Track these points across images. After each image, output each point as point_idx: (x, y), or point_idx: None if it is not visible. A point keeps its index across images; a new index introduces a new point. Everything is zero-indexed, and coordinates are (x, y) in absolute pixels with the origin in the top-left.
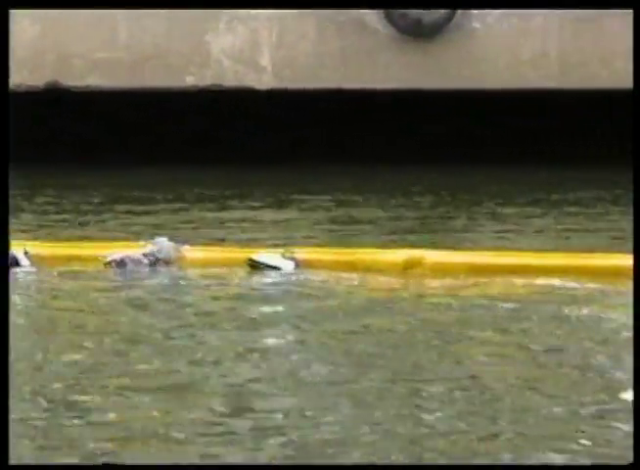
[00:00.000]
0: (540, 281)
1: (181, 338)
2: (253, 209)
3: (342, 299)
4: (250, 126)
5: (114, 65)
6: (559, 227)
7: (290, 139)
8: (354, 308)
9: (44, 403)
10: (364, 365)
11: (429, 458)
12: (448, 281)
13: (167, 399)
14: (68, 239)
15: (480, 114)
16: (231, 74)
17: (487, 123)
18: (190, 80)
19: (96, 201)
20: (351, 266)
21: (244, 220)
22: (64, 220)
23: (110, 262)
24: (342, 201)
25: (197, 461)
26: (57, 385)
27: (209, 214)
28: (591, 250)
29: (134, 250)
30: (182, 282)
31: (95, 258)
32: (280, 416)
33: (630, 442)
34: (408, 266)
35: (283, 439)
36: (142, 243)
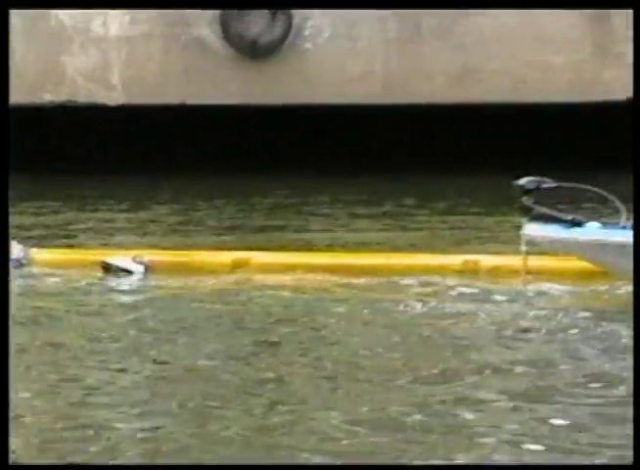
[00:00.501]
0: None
1: None
2: (107, 213)
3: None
4: (101, 140)
5: None
6: (380, 227)
7: (138, 150)
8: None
9: None
10: None
11: None
12: (273, 279)
13: None
14: None
15: (313, 127)
16: (84, 92)
17: (318, 136)
18: (47, 97)
19: None
20: (186, 267)
21: (98, 224)
22: None
23: None
24: (187, 207)
25: None
26: None
27: (62, 217)
28: (416, 250)
29: None
30: (31, 282)
31: None
32: None
33: None
34: (236, 266)
35: None
36: None
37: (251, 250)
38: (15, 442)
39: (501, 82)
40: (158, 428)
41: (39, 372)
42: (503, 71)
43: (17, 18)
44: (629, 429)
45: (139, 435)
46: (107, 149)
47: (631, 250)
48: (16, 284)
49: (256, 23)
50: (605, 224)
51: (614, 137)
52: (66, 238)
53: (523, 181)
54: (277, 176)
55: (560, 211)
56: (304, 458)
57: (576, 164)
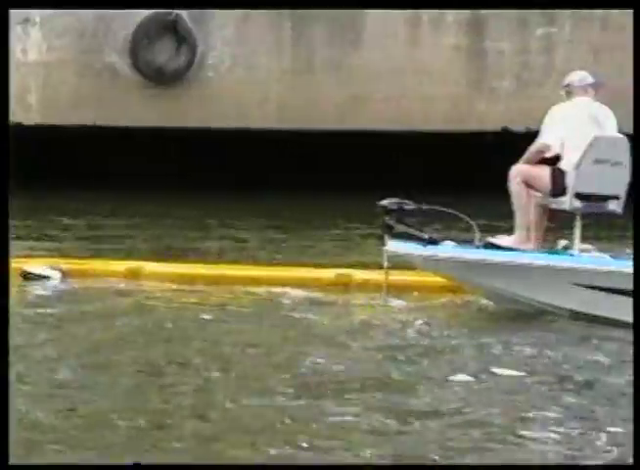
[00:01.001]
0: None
1: None
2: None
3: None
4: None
5: None
6: (265, 240)
7: (52, 167)
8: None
9: None
10: None
11: None
12: (164, 288)
13: None
14: None
15: (213, 149)
16: None
17: (219, 157)
18: None
19: None
20: (83, 274)
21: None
22: None
23: None
24: (95, 222)
25: None
26: None
27: None
28: (301, 264)
29: None
30: None
31: None
32: None
33: None
34: (130, 275)
35: None
36: None
37: (146, 260)
38: None
39: (385, 111)
40: None
41: None
42: (387, 101)
43: None
44: None
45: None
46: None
47: (482, 267)
48: None
49: (163, 53)
50: (460, 243)
51: (486, 163)
52: None
53: (385, 202)
54: (180, 193)
55: (421, 230)
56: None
57: (452, 188)
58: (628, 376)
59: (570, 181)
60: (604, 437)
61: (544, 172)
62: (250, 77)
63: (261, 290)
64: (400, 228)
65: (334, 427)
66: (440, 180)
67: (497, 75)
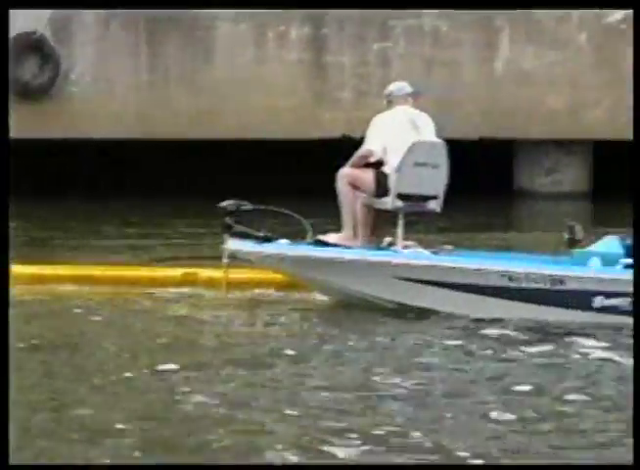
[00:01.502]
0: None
1: None
2: None
3: None
4: None
5: None
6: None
7: None
8: None
9: None
10: None
11: None
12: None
13: None
14: None
15: (78, 158)
16: None
17: (83, 166)
18: None
19: None
20: None
21: None
22: None
23: None
24: None
25: None
26: None
27: None
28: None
29: None
30: None
31: None
32: None
33: None
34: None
35: None
36: None
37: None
38: None
39: (234, 122)
40: None
41: None
42: (236, 113)
43: None
44: None
45: None
46: None
47: (312, 263)
48: None
49: (28, 69)
50: (293, 241)
51: (329, 169)
52: None
53: (225, 204)
54: (40, 200)
55: (259, 229)
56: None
57: (296, 191)
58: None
59: (392, 183)
60: None
61: (368, 175)
62: (110, 91)
63: (106, 289)
64: (238, 228)
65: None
66: (286, 184)
67: (338, 87)
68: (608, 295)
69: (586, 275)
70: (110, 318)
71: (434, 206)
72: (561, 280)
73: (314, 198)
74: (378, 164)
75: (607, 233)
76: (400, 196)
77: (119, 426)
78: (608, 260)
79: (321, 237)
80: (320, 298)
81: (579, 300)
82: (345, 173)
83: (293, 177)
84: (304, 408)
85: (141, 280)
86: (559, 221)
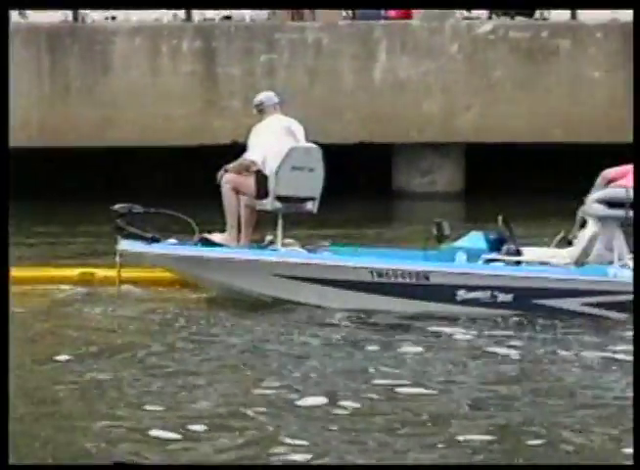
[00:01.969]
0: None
1: None
2: None
3: None
4: None
5: None
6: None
7: None
8: None
9: None
10: None
11: None
12: None
13: None
14: None
15: None
16: None
17: None
18: None
19: None
20: None
21: None
22: None
23: None
24: None
25: None
26: None
27: None
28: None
29: None
30: None
31: None
32: None
33: None
34: None
35: None
36: None
37: None
38: None
39: (132, 130)
40: None
41: None
42: (133, 121)
43: None
44: None
45: None
46: None
47: (197, 261)
48: None
49: None
50: (181, 241)
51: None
52: None
53: (117, 207)
54: None
55: (152, 230)
56: None
57: (189, 193)
58: None
59: (271, 186)
60: None
61: (250, 180)
62: (14, 103)
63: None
64: (129, 229)
65: None
66: (180, 187)
67: (228, 96)
68: (469, 288)
69: (449, 270)
70: None
71: (311, 207)
72: (425, 275)
73: (206, 199)
74: (259, 169)
75: (477, 229)
76: (279, 198)
77: None
78: (472, 255)
79: (207, 236)
80: (205, 294)
81: (443, 293)
82: (229, 179)
83: (186, 180)
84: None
85: (40, 279)
86: (432, 219)
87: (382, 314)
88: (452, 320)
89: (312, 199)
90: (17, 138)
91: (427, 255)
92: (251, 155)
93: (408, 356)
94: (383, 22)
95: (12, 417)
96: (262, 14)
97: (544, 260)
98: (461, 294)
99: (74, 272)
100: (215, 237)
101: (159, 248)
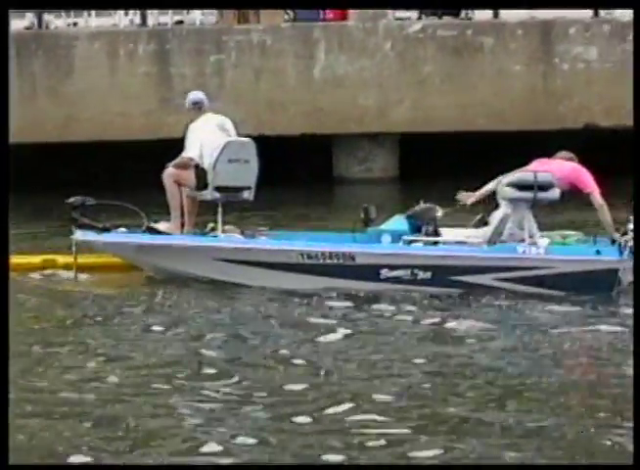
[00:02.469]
0: None
1: None
2: None
3: None
4: None
5: None
6: None
7: None
8: None
9: None
10: None
11: None
12: None
13: None
14: None
15: None
16: None
17: None
18: None
19: None
20: None
21: None
22: None
23: None
24: None
25: None
26: None
27: None
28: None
29: None
30: None
31: None
32: None
33: None
34: None
35: None
36: None
37: None
38: None
39: (93, 126)
40: None
41: None
42: (94, 119)
43: None
44: None
45: None
46: None
47: (144, 248)
48: None
49: None
50: (130, 230)
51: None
52: None
53: (71, 199)
54: None
55: (101, 220)
56: None
57: (145, 185)
58: None
59: (209, 178)
60: None
61: (190, 173)
62: None
63: None
64: (83, 220)
65: None
66: (136, 179)
67: (181, 94)
68: (392, 267)
69: (372, 251)
70: None
71: (248, 195)
72: (352, 256)
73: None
74: (197, 163)
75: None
76: (218, 188)
77: None
78: (396, 237)
79: (153, 225)
80: (157, 277)
81: (368, 272)
82: (170, 173)
83: (142, 173)
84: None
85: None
86: (368, 202)
87: (310, 293)
88: (374, 296)
89: (248, 188)
90: None
91: (355, 237)
92: (189, 152)
93: (330, 336)
94: (321, 23)
95: None
96: (211, 18)
97: (460, 240)
98: (384, 273)
99: (38, 259)
100: (161, 226)
101: (109, 237)
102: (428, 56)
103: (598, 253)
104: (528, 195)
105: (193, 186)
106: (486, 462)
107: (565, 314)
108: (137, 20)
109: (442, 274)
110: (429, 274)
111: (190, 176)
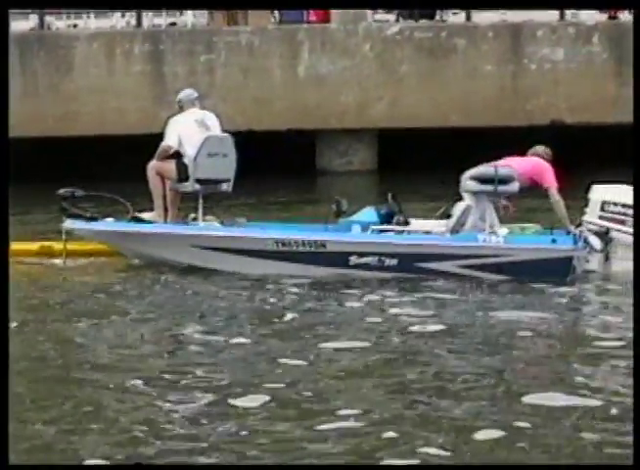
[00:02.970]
0: None
1: None
2: None
3: None
4: None
5: None
6: None
7: None
8: None
9: None
10: None
11: None
12: None
13: None
14: None
15: None
16: None
17: None
18: None
19: None
20: None
21: None
22: None
23: None
24: None
25: None
26: None
27: None
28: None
29: None
30: None
31: None
32: None
33: None
34: None
35: None
36: None
37: None
38: None
39: (92, 122)
40: None
41: None
42: (93, 114)
43: None
44: None
45: None
46: None
47: (129, 236)
48: None
49: None
50: (117, 219)
51: None
52: None
53: (61, 191)
54: None
55: (87, 210)
56: None
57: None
58: None
59: (190, 171)
60: None
61: (171, 165)
62: None
63: None
64: (72, 210)
65: None
66: (130, 170)
67: (173, 92)
68: (360, 254)
69: (342, 239)
70: None
71: (227, 187)
72: (323, 244)
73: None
74: (179, 156)
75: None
76: (198, 181)
77: None
78: (366, 227)
79: (138, 215)
80: (137, 263)
81: (338, 259)
82: (153, 166)
83: (136, 166)
84: None
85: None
86: (349, 194)
87: (285, 279)
88: (344, 282)
89: (227, 180)
90: None
91: (327, 227)
92: (167, 141)
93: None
94: (305, 25)
95: None
96: (202, 20)
97: (426, 230)
98: (353, 259)
99: (35, 246)
100: (145, 215)
101: (97, 225)
102: (404, 56)
103: (554, 242)
104: (489, 188)
105: (174, 178)
106: (487, 462)
107: (518, 300)
108: (133, 21)
109: (408, 261)
110: (395, 261)
111: (172, 169)
